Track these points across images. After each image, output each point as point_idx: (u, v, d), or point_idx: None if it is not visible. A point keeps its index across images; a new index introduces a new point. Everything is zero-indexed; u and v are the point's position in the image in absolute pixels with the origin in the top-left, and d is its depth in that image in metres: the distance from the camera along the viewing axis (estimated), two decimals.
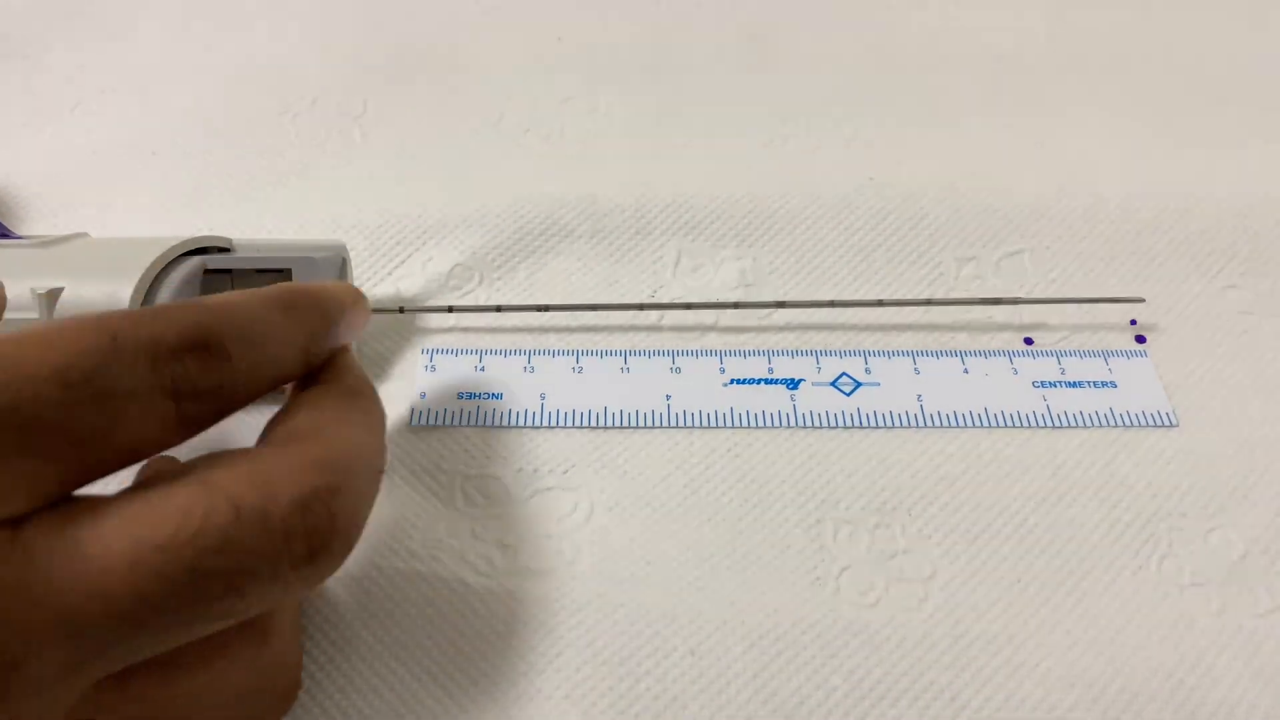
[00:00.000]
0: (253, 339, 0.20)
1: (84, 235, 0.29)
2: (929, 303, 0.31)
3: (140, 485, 0.18)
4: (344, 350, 0.24)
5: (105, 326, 0.18)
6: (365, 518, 0.21)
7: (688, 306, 0.31)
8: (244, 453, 0.19)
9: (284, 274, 0.28)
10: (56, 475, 0.17)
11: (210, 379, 0.19)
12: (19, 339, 0.17)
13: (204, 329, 0.19)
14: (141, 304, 0.26)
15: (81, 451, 0.17)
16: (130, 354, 0.18)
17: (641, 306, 0.31)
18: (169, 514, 0.17)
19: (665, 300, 0.32)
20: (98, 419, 0.17)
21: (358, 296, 0.24)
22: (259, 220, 0.34)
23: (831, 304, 0.31)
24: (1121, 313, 0.32)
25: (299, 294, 0.22)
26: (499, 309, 0.31)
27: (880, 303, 0.31)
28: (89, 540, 0.17)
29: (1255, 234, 0.33)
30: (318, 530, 0.18)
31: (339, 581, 0.25)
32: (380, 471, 0.22)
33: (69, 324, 0.18)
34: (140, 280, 0.26)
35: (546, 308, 0.31)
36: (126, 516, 0.17)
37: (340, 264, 0.29)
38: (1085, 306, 0.31)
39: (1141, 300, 0.31)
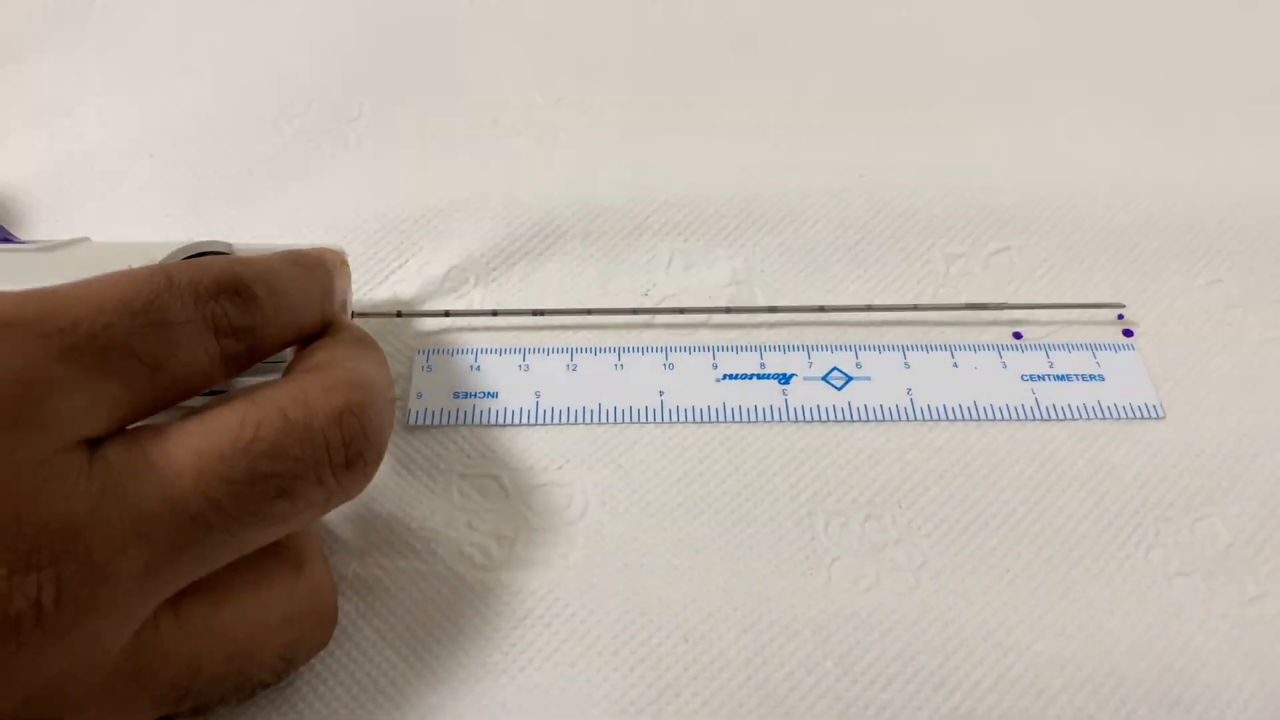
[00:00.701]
0: (276, 287, 0.22)
1: (86, 239, 0.30)
2: (915, 308, 0.32)
3: (195, 410, 0.20)
4: (340, 316, 0.26)
5: (157, 268, 0.21)
6: (388, 436, 0.23)
7: (680, 311, 0.31)
8: (279, 379, 0.22)
9: None
10: (130, 398, 0.19)
11: (244, 319, 0.22)
12: (84, 282, 0.20)
13: (235, 275, 0.21)
14: None
15: (148, 376, 0.20)
16: (179, 290, 0.20)
17: (635, 311, 0.31)
18: (227, 426, 0.19)
19: (658, 298, 0.32)
20: (160, 345, 0.20)
21: (343, 260, 0.27)
22: (257, 224, 0.34)
23: (821, 309, 0.31)
24: (1108, 308, 0.32)
25: (304, 254, 0.25)
26: (494, 313, 0.31)
27: (870, 308, 0.32)
28: (158, 454, 0.19)
29: (1240, 229, 0.34)
30: (354, 439, 0.21)
31: (340, 578, 0.26)
32: (394, 403, 0.24)
33: (126, 270, 0.20)
34: None
35: (541, 312, 0.31)
36: (189, 432, 0.19)
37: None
38: (1074, 299, 0.32)
39: (1122, 306, 0.32)
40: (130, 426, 0.20)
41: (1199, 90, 0.39)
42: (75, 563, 0.17)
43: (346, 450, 0.21)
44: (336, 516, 0.27)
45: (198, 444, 0.19)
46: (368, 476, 0.22)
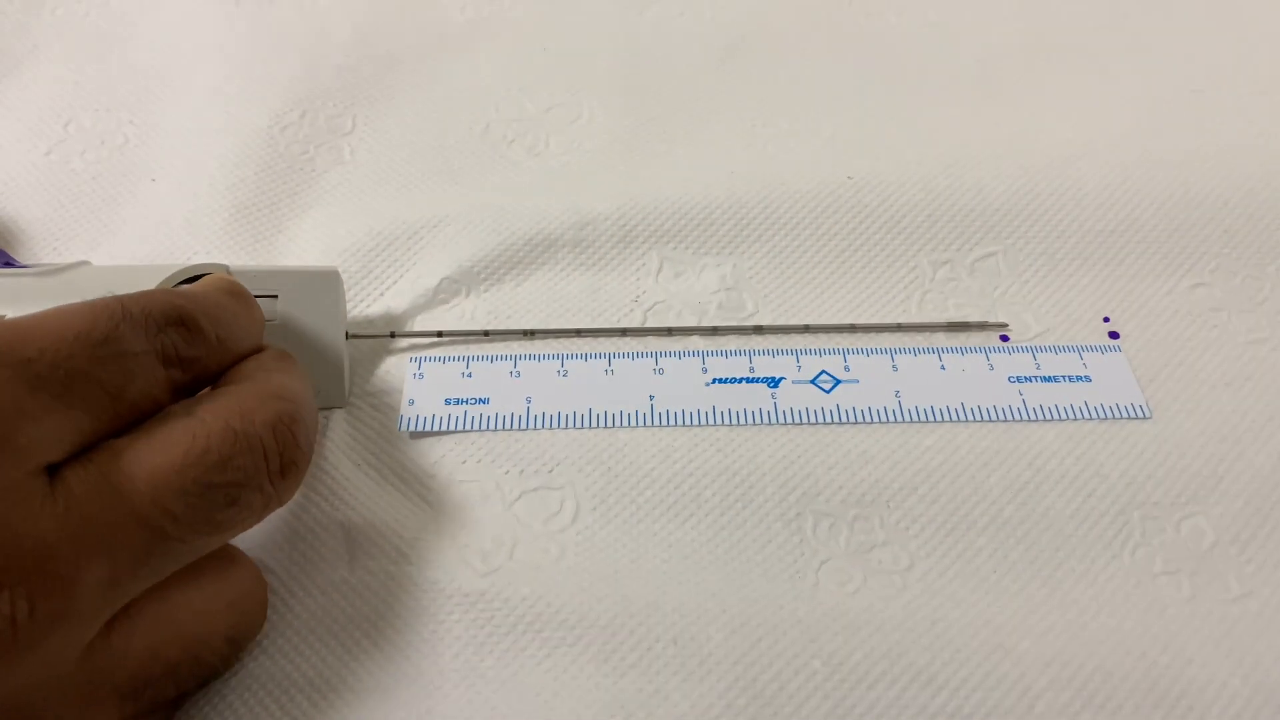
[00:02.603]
0: (218, 319, 0.24)
1: (86, 264, 0.30)
2: (899, 328, 0.32)
3: (143, 427, 0.21)
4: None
5: (114, 301, 0.22)
6: (314, 445, 0.25)
7: (669, 332, 0.32)
8: (214, 391, 0.23)
9: (277, 299, 0.29)
10: (91, 425, 0.20)
11: (190, 349, 0.23)
12: (46, 313, 0.21)
13: (181, 308, 0.23)
14: None
15: (107, 404, 0.21)
16: (134, 321, 0.21)
17: (624, 332, 0.32)
18: (179, 442, 0.21)
19: (648, 305, 0.33)
20: (119, 374, 0.21)
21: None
22: (254, 243, 0.34)
23: (806, 329, 0.32)
24: (1095, 309, 0.32)
25: (235, 283, 0.26)
26: (486, 334, 0.31)
27: (853, 327, 0.32)
28: (116, 473, 0.20)
29: (1225, 232, 0.34)
30: (287, 447, 0.22)
31: (331, 584, 0.26)
32: (317, 415, 0.26)
33: (84, 302, 0.21)
34: None
35: (532, 333, 0.31)
36: (143, 450, 0.20)
37: (334, 288, 0.30)
38: (1060, 303, 0.32)
39: (1005, 326, 0.32)
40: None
41: (1186, 95, 0.40)
42: (45, 579, 0.19)
43: (282, 457, 0.22)
44: (327, 524, 0.27)
45: (153, 460, 0.20)
46: (299, 481, 0.23)
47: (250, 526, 0.23)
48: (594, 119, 0.39)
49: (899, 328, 0.32)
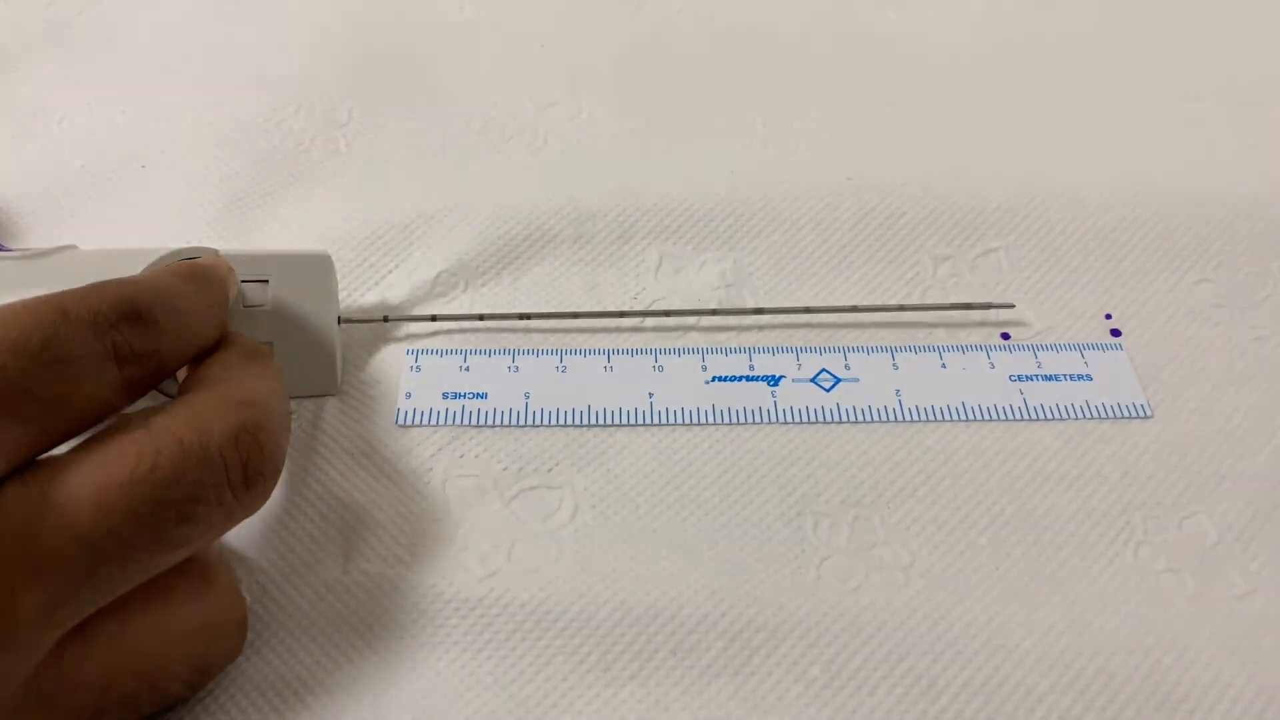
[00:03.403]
0: (175, 307, 0.23)
1: (72, 247, 0.30)
2: (901, 308, 0.32)
3: (90, 440, 0.20)
4: (231, 328, 0.26)
5: (52, 301, 0.20)
6: (285, 449, 0.23)
7: (667, 314, 0.31)
8: (174, 401, 0.22)
9: (268, 284, 0.29)
10: (28, 439, 0.19)
11: (146, 344, 0.21)
12: None
13: (134, 300, 0.21)
14: None
15: (47, 415, 0.19)
16: (76, 323, 0.20)
17: (622, 314, 0.31)
18: (125, 457, 0.19)
19: (647, 301, 0.32)
20: (57, 383, 0.20)
21: (229, 267, 0.27)
22: (247, 233, 0.34)
23: (808, 310, 0.32)
24: (1097, 306, 0.32)
25: (198, 268, 0.25)
26: (481, 318, 0.31)
27: (855, 309, 0.32)
28: (57, 491, 0.19)
29: (1227, 228, 0.34)
30: (251, 458, 0.21)
31: (324, 583, 0.26)
32: (289, 416, 0.25)
33: (19, 304, 0.20)
34: None
35: (528, 316, 0.31)
36: (87, 465, 0.19)
37: (326, 272, 0.29)
38: (1061, 300, 0.32)
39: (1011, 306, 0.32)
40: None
41: (1186, 93, 0.40)
42: None
43: (245, 470, 0.21)
44: (320, 521, 0.27)
45: (96, 477, 0.19)
46: (267, 492, 0.22)
47: (215, 539, 0.22)
48: (592, 116, 0.39)
49: (901, 309, 0.32)
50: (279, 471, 0.22)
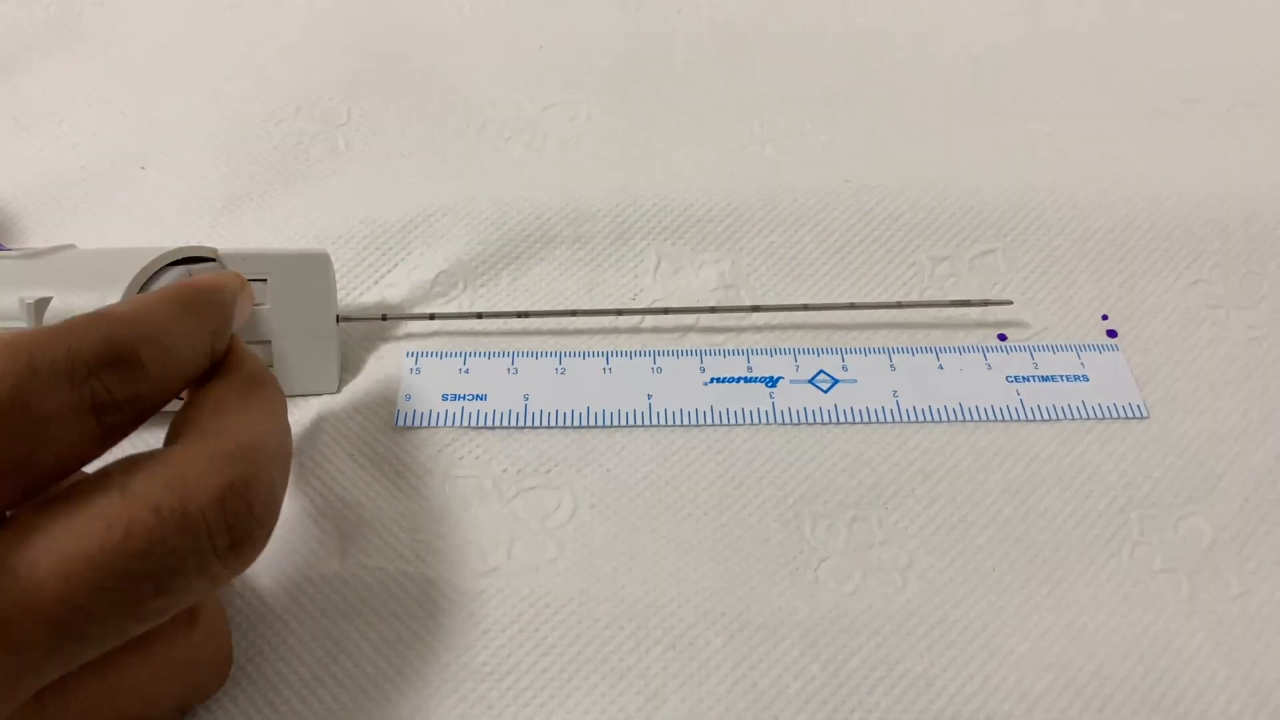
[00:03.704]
0: (163, 344, 0.21)
1: (71, 246, 0.30)
2: (900, 305, 0.32)
3: (60, 498, 0.18)
4: (236, 340, 0.24)
5: (18, 352, 0.18)
6: (280, 501, 0.21)
7: (665, 311, 0.32)
8: (156, 455, 0.20)
9: (267, 283, 0.29)
10: None
11: (128, 390, 0.20)
12: None
13: (117, 342, 0.19)
14: None
15: (13, 473, 0.18)
16: (48, 377, 0.18)
17: (620, 312, 0.32)
18: (94, 527, 0.18)
19: (646, 302, 0.32)
20: (20, 446, 0.18)
21: (243, 283, 0.25)
22: (246, 232, 0.34)
23: (805, 307, 0.32)
24: (1094, 307, 0.32)
25: (196, 291, 0.23)
26: (479, 316, 0.31)
27: (853, 305, 0.32)
28: (19, 562, 0.17)
29: (1224, 229, 0.34)
30: (239, 520, 0.19)
31: (322, 576, 0.26)
32: (289, 455, 0.23)
33: None
34: (127, 290, 0.26)
35: (526, 314, 0.31)
36: (53, 534, 0.18)
37: (325, 271, 0.30)
38: (1058, 301, 0.32)
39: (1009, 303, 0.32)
40: None
41: (1182, 94, 0.40)
42: None
43: (232, 534, 0.19)
44: (319, 516, 0.27)
45: (62, 548, 0.17)
46: (257, 552, 0.20)
47: (195, 602, 0.20)
48: (591, 117, 0.39)
49: (899, 305, 0.32)
50: (271, 529, 0.21)
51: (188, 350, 0.22)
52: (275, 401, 0.23)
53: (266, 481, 0.20)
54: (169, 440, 0.21)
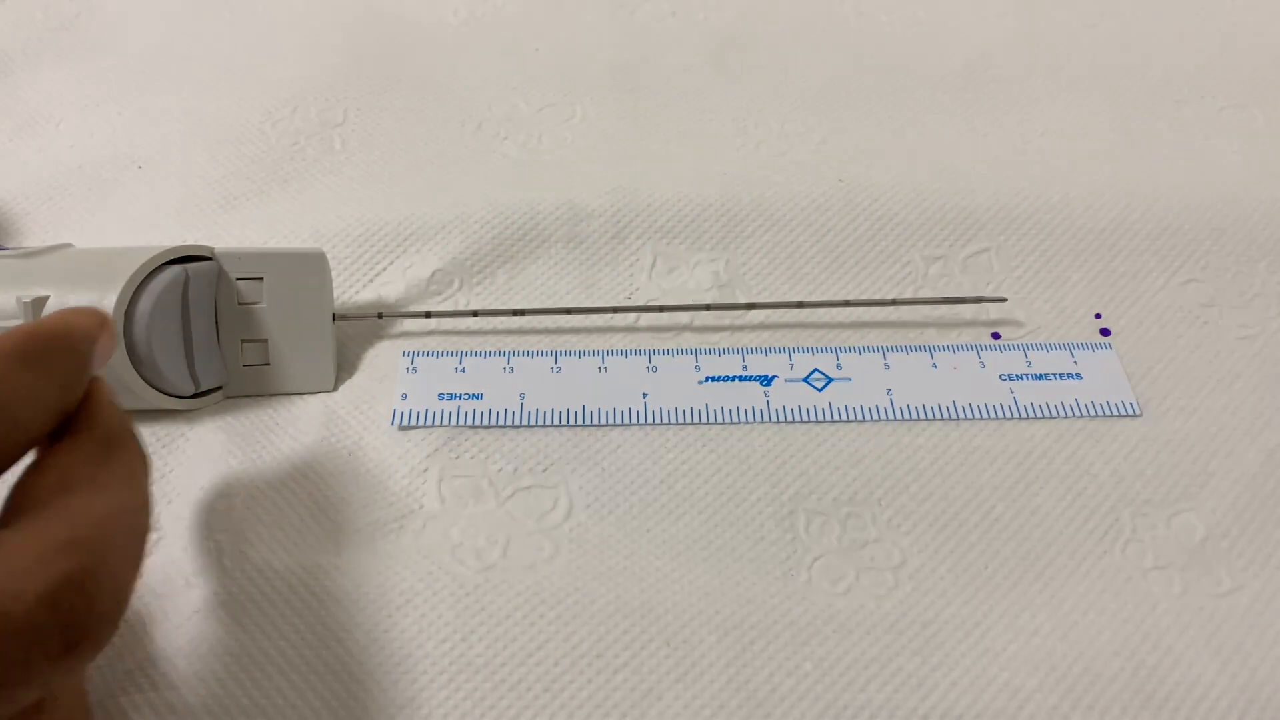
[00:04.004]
0: (3, 410, 0.18)
1: (68, 245, 0.30)
2: (894, 302, 0.32)
3: None
4: (95, 387, 0.21)
5: None
6: (131, 587, 0.19)
7: (661, 309, 0.32)
8: None
9: (263, 281, 0.29)
10: None
11: None
12: None
13: None
14: (124, 312, 0.27)
15: None
16: None
17: (615, 310, 0.32)
18: None
19: (641, 301, 0.32)
20: None
21: (103, 321, 0.22)
22: (243, 231, 0.34)
23: (800, 305, 0.32)
24: (1087, 305, 0.32)
25: (43, 340, 0.20)
26: (475, 314, 0.31)
27: (847, 303, 0.32)
28: None
29: (1216, 229, 0.34)
30: (74, 620, 0.17)
31: (319, 566, 0.26)
32: (145, 532, 0.20)
33: None
34: (124, 289, 0.27)
35: (522, 312, 0.31)
36: None
37: (321, 270, 0.30)
38: (1051, 300, 0.32)
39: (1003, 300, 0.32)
40: None
41: (1174, 95, 0.40)
42: None
43: (65, 635, 0.17)
44: (315, 510, 0.27)
45: None
46: (96, 651, 0.18)
47: (26, 702, 0.18)
48: (586, 118, 0.39)
49: (894, 303, 0.32)
50: (115, 623, 0.18)
51: (27, 411, 0.19)
52: (131, 466, 0.20)
53: (110, 570, 0.18)
54: (4, 514, 0.19)
